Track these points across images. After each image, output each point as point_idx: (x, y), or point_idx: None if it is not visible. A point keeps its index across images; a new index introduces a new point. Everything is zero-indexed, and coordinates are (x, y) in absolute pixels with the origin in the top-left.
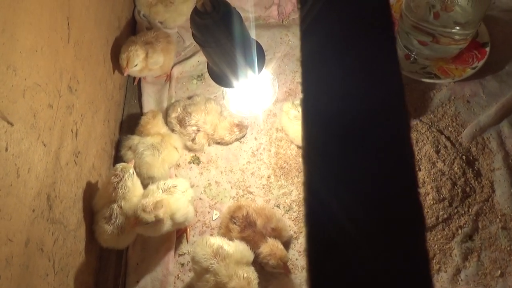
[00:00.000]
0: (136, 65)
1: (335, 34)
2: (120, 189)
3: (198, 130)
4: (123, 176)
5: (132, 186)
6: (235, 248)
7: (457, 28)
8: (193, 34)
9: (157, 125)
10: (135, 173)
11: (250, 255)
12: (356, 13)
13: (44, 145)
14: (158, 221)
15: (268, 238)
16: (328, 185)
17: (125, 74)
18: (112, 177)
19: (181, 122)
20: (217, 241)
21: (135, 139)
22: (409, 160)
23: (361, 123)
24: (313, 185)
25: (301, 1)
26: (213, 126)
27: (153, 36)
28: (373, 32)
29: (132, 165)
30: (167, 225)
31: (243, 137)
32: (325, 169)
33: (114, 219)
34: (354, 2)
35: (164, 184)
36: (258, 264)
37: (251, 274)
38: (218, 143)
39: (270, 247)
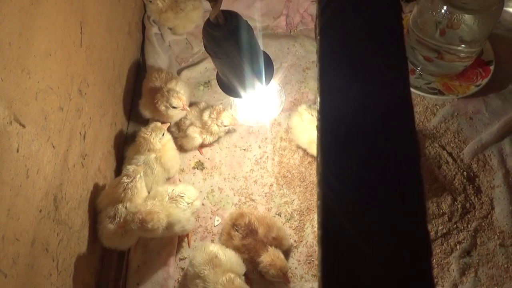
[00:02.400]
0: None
1: (349, 44)
2: (130, 190)
3: (191, 124)
4: (134, 177)
5: (140, 188)
6: (228, 259)
7: (463, 45)
8: (204, 45)
9: (157, 139)
10: (143, 177)
11: (241, 269)
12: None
13: (53, 147)
14: (146, 229)
15: (269, 247)
16: (346, 210)
17: (189, 110)
18: (124, 178)
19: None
20: (215, 250)
21: (131, 152)
22: (417, 189)
23: (376, 142)
24: (330, 208)
25: (320, 11)
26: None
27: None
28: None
29: (166, 128)
30: (161, 232)
31: (229, 126)
32: (342, 192)
33: (118, 219)
34: (367, 14)
35: (173, 190)
36: (258, 272)
37: (234, 277)
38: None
39: (271, 257)
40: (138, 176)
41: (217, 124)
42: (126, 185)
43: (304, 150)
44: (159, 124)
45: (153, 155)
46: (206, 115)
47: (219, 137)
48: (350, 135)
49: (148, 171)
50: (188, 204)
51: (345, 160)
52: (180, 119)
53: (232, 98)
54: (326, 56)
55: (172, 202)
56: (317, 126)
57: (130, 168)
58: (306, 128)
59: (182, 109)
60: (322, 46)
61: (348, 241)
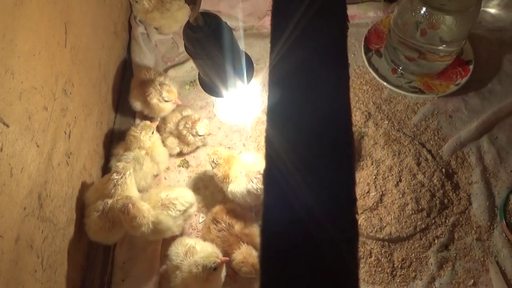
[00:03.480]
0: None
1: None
2: (120, 187)
3: (170, 134)
4: (124, 174)
5: (130, 185)
6: (204, 247)
7: (443, 45)
8: (185, 46)
9: (147, 138)
10: (132, 173)
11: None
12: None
13: (37, 146)
14: (130, 222)
15: (242, 244)
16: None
17: (180, 103)
18: (114, 174)
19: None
20: (190, 242)
21: (120, 150)
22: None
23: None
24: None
25: (272, 41)
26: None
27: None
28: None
29: (156, 125)
30: (147, 233)
31: (205, 135)
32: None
33: (106, 213)
34: (316, 38)
35: (167, 196)
36: (231, 269)
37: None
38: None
39: (243, 254)
40: (128, 172)
41: (192, 134)
42: (116, 181)
43: None
44: (148, 122)
45: (143, 151)
46: (181, 125)
47: (197, 147)
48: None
49: (137, 166)
50: (180, 211)
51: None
52: (159, 123)
53: (214, 98)
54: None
55: (164, 209)
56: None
57: (120, 164)
58: None
59: (174, 103)
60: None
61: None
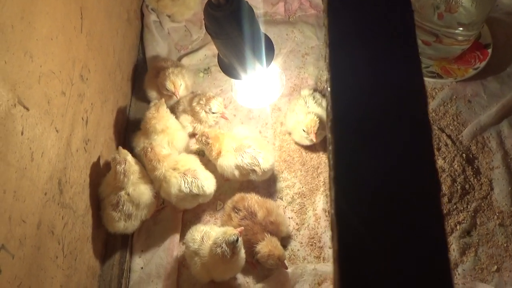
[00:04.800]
0: (181, 85)
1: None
2: (128, 173)
3: (183, 111)
4: (127, 160)
5: (135, 165)
6: (219, 231)
7: (461, 29)
8: (205, 26)
9: (162, 119)
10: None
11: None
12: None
13: (56, 131)
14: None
15: (266, 235)
16: (362, 219)
17: (178, 98)
18: (117, 166)
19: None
20: (205, 228)
21: (140, 140)
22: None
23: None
24: (345, 218)
25: None
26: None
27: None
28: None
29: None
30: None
31: (218, 113)
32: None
33: (121, 206)
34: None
35: (189, 169)
36: (255, 259)
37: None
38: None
39: (269, 247)
40: (129, 157)
41: (205, 111)
42: (123, 170)
43: None
44: (156, 100)
45: (166, 138)
46: (195, 101)
47: (210, 126)
48: (364, 123)
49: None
50: (190, 191)
51: (359, 155)
52: (174, 105)
53: (232, 81)
54: (336, 37)
55: (181, 176)
56: (327, 113)
57: (116, 155)
58: (298, 112)
59: (172, 94)
60: (331, 27)
61: (366, 255)
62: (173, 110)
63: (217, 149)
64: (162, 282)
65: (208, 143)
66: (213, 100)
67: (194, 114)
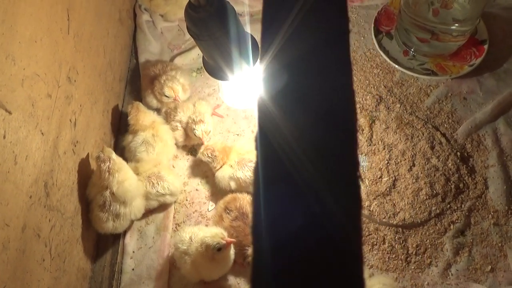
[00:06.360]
0: (178, 89)
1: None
2: (113, 171)
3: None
4: (111, 158)
5: (120, 163)
6: (208, 230)
7: (456, 25)
8: (187, 27)
9: (144, 116)
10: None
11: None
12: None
13: (42, 133)
14: None
15: None
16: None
17: (180, 101)
18: (101, 164)
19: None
20: (194, 229)
21: (128, 138)
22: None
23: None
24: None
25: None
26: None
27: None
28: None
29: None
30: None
31: (170, 98)
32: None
33: (108, 206)
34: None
35: (154, 172)
36: (246, 261)
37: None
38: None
39: None
40: (113, 155)
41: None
42: (107, 168)
43: None
44: (135, 102)
45: (149, 133)
46: (190, 120)
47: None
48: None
49: (149, 149)
50: (158, 192)
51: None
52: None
53: (219, 82)
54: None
55: (145, 180)
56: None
57: (100, 153)
58: None
59: (174, 100)
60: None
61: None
62: (167, 116)
63: (223, 162)
64: (153, 283)
65: (215, 156)
66: (199, 124)
67: (186, 132)
